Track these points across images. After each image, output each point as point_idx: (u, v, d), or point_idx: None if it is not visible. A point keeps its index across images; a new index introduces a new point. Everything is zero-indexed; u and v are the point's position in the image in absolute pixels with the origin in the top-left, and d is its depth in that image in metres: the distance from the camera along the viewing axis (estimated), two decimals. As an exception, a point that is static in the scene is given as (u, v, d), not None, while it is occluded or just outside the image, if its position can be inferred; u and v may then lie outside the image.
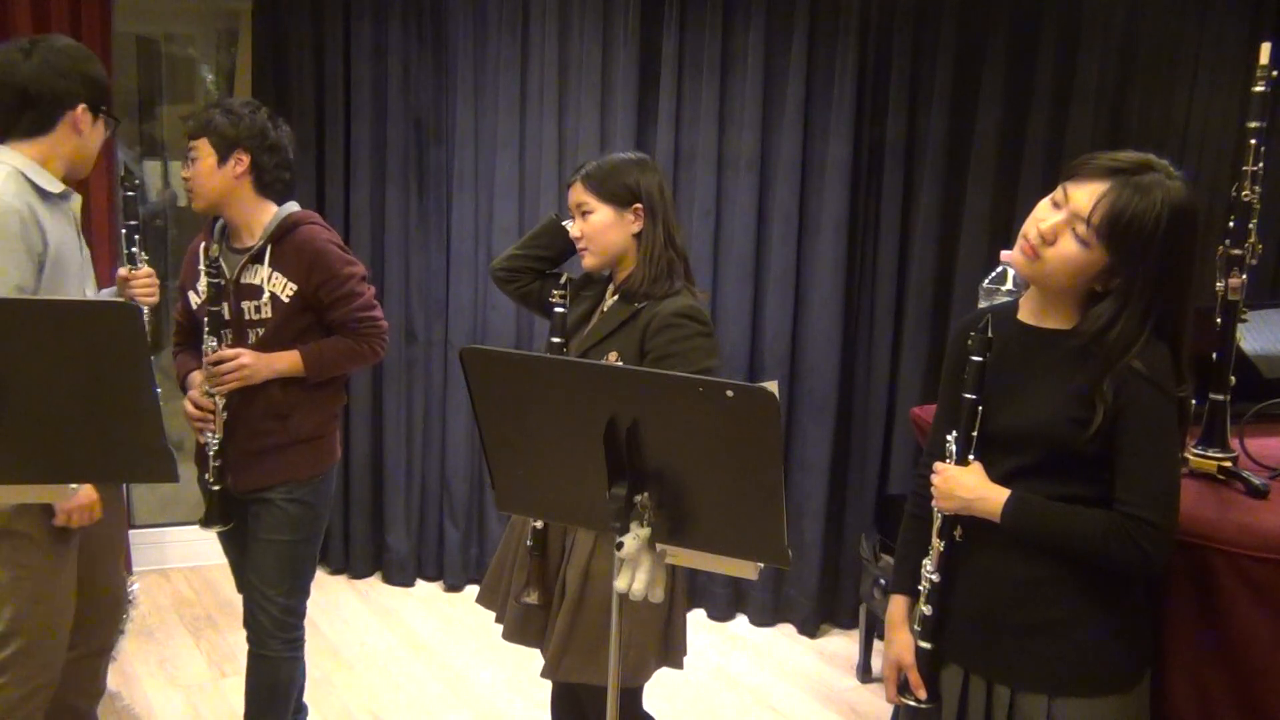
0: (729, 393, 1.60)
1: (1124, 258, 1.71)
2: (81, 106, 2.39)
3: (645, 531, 1.72)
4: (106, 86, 2.46)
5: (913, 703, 1.93)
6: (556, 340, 2.29)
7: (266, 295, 2.61)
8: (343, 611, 4.16)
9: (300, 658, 2.84)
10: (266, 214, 2.66)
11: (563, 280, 2.32)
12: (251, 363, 2.58)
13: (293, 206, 2.71)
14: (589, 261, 2.35)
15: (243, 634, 2.79)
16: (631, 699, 2.40)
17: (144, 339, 1.77)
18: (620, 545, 1.71)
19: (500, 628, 2.45)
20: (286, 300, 2.61)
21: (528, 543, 2.30)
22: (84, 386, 1.80)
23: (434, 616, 4.19)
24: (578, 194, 2.33)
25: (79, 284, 2.42)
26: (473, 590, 4.43)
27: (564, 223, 2.48)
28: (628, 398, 1.69)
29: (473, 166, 4.19)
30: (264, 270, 2.61)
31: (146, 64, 4.93)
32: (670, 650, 2.36)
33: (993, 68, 3.96)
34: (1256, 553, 1.86)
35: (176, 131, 5.00)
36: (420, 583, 4.45)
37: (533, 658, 2.40)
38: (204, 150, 2.60)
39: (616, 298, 2.34)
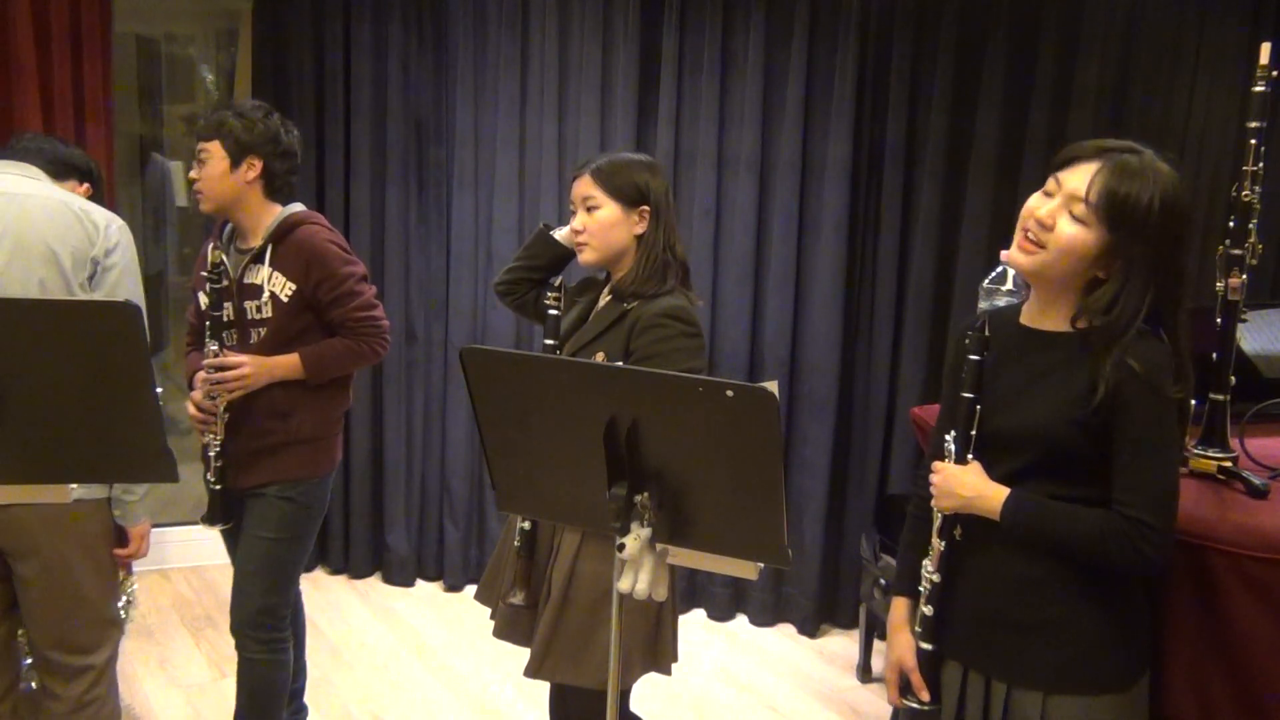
0: (729, 393, 1.60)
1: (1122, 235, 1.71)
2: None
3: (646, 532, 1.72)
4: None
5: (915, 705, 1.93)
6: (550, 343, 2.28)
7: (266, 295, 2.61)
8: (343, 611, 4.16)
9: (282, 661, 2.80)
10: (271, 215, 2.67)
11: (556, 283, 2.31)
12: (252, 371, 2.58)
13: (296, 207, 2.71)
14: (587, 257, 2.32)
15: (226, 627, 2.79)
16: (619, 700, 2.39)
17: (144, 339, 1.77)
18: (622, 547, 1.71)
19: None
20: (286, 300, 2.61)
21: (515, 543, 2.30)
22: (84, 386, 1.80)
23: (434, 616, 4.19)
24: (585, 187, 2.30)
25: None
26: (473, 590, 4.42)
27: (552, 231, 2.47)
28: (628, 398, 1.69)
29: (473, 166, 4.19)
30: (264, 270, 2.61)
31: (146, 64, 4.93)
32: (658, 655, 2.33)
33: (993, 68, 3.96)
34: (1256, 553, 1.86)
35: (177, 131, 5.01)
36: (420, 583, 4.45)
37: (533, 658, 2.40)
38: (216, 153, 2.60)
39: (609, 298, 2.34)
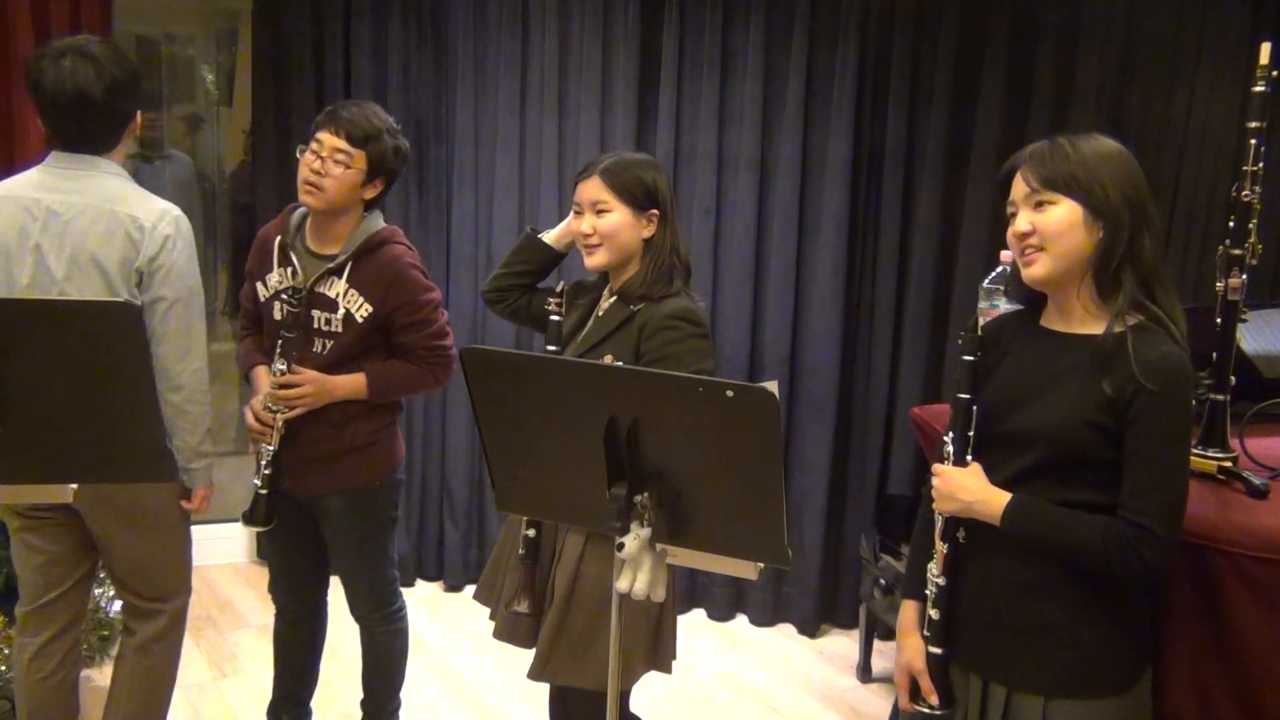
0: (729, 393, 1.61)
1: (1082, 197, 1.76)
2: (140, 114, 2.49)
3: (645, 531, 1.72)
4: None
5: (926, 710, 1.93)
6: (552, 349, 2.26)
7: (341, 311, 2.59)
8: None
9: (401, 630, 2.99)
10: (354, 222, 2.64)
11: (559, 289, 2.29)
12: (315, 392, 2.57)
13: (378, 219, 2.68)
14: (597, 259, 2.30)
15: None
16: (619, 701, 2.40)
17: (144, 339, 1.77)
18: (621, 546, 1.71)
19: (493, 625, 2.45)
20: (360, 320, 2.59)
21: (519, 551, 2.28)
22: (84, 386, 1.80)
23: (434, 616, 4.19)
24: (594, 190, 2.28)
25: None
26: (473, 590, 4.42)
27: (540, 234, 2.47)
28: (628, 398, 1.69)
29: (473, 166, 4.19)
30: (341, 284, 2.59)
31: (146, 64, 4.93)
32: (659, 655, 2.34)
33: (993, 68, 3.96)
34: (1256, 553, 1.86)
35: (178, 131, 5.01)
36: (420, 583, 4.45)
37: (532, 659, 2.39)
38: (359, 163, 2.56)
39: (614, 300, 2.33)
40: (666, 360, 2.17)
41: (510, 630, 2.38)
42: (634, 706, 2.54)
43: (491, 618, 2.46)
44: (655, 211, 2.29)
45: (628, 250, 2.29)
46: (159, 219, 2.39)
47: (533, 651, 2.36)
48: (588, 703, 2.29)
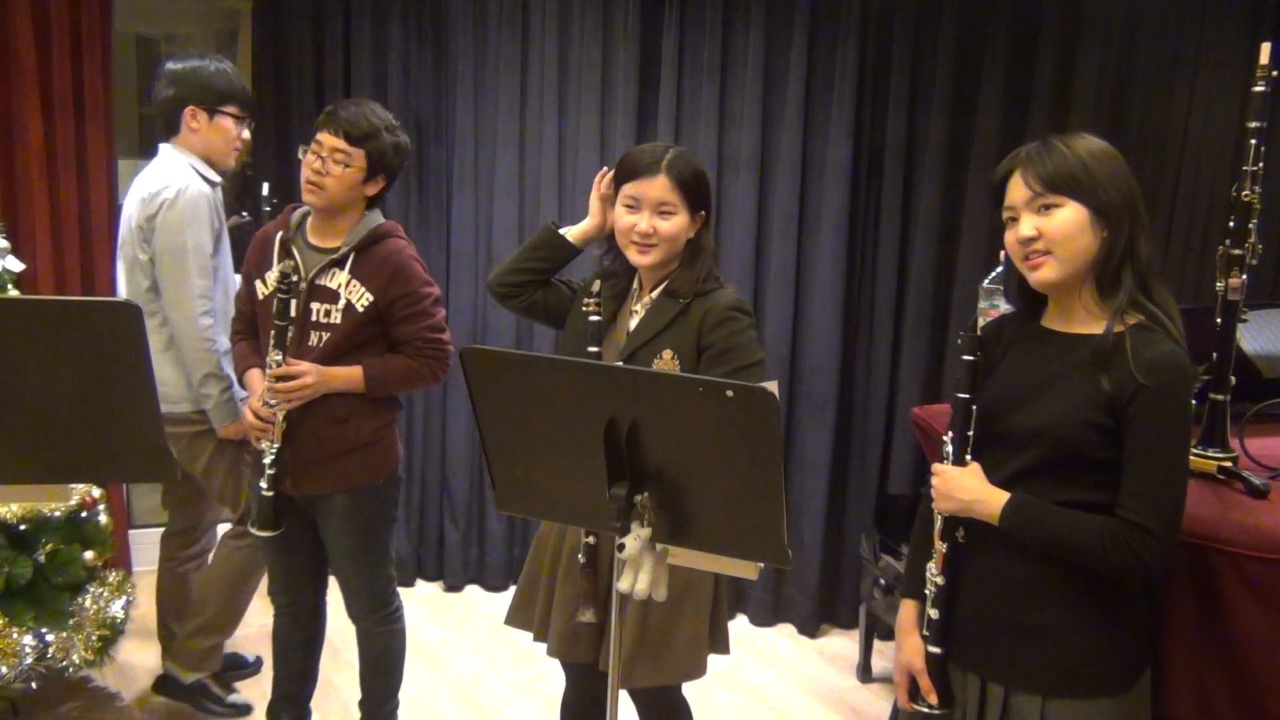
0: (729, 393, 1.61)
1: (1084, 195, 1.76)
2: (189, 108, 2.98)
3: (646, 531, 1.72)
4: (219, 88, 3.01)
5: (925, 709, 1.93)
6: (594, 350, 2.22)
7: (343, 302, 2.60)
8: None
9: (398, 630, 2.97)
10: (359, 220, 2.66)
11: (595, 289, 2.25)
12: (315, 382, 2.57)
13: (378, 215, 2.71)
14: (652, 259, 2.26)
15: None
16: (678, 690, 2.43)
17: (144, 339, 1.77)
18: (621, 547, 1.71)
19: (511, 637, 2.44)
20: (361, 310, 2.60)
21: (580, 559, 2.24)
22: (84, 386, 1.80)
23: (434, 616, 4.19)
24: (661, 191, 2.22)
25: (227, 260, 3.07)
26: (473, 590, 4.43)
27: (561, 230, 2.45)
28: (627, 398, 1.69)
29: (473, 166, 4.19)
30: (342, 276, 2.60)
31: (146, 64, 4.93)
32: (718, 637, 2.39)
33: (993, 68, 3.96)
34: (1256, 553, 1.86)
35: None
36: (420, 583, 4.45)
37: (534, 658, 2.39)
38: (358, 162, 2.58)
39: (657, 295, 2.30)
40: (732, 351, 2.21)
41: (570, 645, 2.33)
42: (633, 707, 2.53)
43: (538, 639, 2.41)
44: (704, 213, 2.30)
45: (679, 251, 2.29)
46: (164, 187, 2.88)
47: (539, 651, 2.36)
48: (665, 697, 2.34)
